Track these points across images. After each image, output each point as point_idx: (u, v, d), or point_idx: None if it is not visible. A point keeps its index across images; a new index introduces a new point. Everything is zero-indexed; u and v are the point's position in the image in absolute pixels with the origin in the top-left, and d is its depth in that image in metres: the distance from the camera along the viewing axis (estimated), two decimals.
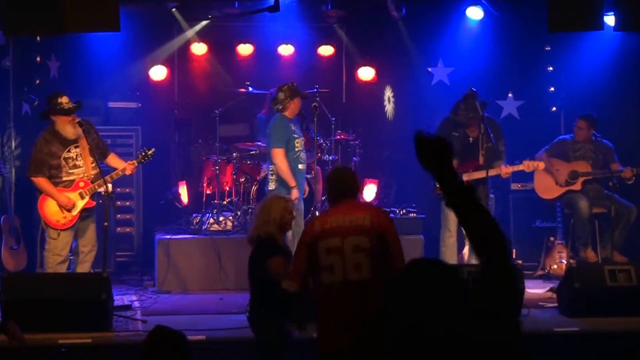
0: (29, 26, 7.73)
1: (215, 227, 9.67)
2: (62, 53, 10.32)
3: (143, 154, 8.26)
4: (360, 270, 5.12)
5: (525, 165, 8.89)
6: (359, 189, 5.65)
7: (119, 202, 9.48)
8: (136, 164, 8.23)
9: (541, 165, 9.00)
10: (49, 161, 7.92)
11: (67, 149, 7.96)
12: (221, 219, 9.74)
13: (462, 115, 8.75)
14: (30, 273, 9.13)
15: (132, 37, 10.24)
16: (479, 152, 8.82)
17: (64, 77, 10.27)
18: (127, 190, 10.38)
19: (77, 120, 7.98)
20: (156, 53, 10.82)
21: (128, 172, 8.20)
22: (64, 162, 7.96)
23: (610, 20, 8.59)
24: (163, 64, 10.86)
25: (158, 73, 10.84)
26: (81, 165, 7.97)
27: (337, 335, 5.17)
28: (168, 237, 9.54)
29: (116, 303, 7.80)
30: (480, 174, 8.78)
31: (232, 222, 9.73)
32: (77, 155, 7.97)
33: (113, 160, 8.28)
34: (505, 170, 8.76)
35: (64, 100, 7.92)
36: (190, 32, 10.82)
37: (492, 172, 8.71)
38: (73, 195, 7.96)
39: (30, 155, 7.99)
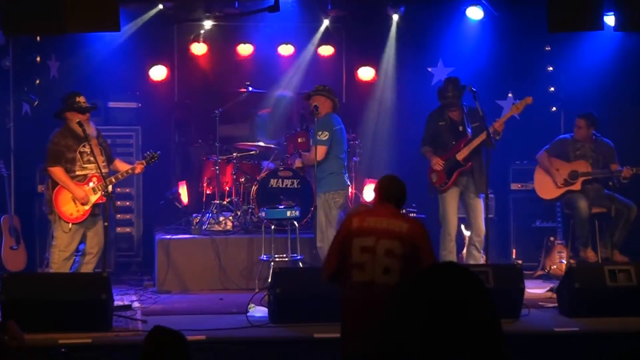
0: (29, 26, 7.73)
1: (215, 227, 9.67)
2: (62, 53, 10.32)
3: (150, 155, 8.37)
4: (388, 275, 5.12)
5: (515, 108, 8.80)
6: (404, 202, 5.52)
7: (119, 202, 9.49)
8: (145, 164, 8.32)
9: (529, 99, 8.84)
10: (66, 154, 8.04)
11: (82, 144, 8.06)
12: (221, 219, 9.74)
13: (451, 97, 8.76)
14: (30, 273, 9.14)
15: (132, 37, 10.24)
16: (466, 128, 8.79)
17: (64, 77, 10.26)
18: (127, 190, 10.38)
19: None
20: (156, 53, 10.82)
21: (137, 171, 8.36)
22: (79, 156, 8.08)
23: (610, 20, 8.58)
24: (163, 64, 10.86)
25: (158, 73, 10.83)
26: (94, 161, 8.05)
27: (360, 338, 5.13)
28: (168, 237, 9.54)
29: (116, 303, 7.79)
30: (475, 143, 8.70)
31: (232, 222, 9.73)
32: (90, 151, 8.06)
33: (119, 165, 8.43)
34: (497, 124, 8.67)
35: (81, 99, 8.14)
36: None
37: (484, 136, 8.57)
38: (86, 189, 8.05)
39: (47, 148, 8.08)
